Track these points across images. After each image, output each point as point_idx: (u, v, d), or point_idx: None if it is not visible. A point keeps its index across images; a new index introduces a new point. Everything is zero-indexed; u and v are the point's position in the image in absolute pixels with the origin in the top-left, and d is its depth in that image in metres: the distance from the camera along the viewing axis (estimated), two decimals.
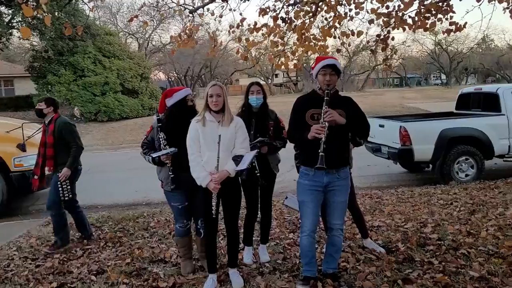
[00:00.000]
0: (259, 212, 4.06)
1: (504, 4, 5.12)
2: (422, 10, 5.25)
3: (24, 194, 7.21)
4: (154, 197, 7.30)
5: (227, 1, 5.65)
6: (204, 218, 3.51)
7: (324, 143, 3.03)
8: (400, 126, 7.29)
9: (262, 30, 5.92)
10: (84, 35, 20.99)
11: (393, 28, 5.68)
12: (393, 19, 5.52)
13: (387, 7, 5.52)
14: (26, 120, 5.06)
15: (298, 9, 5.76)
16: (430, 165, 7.71)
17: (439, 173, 7.47)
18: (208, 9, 5.76)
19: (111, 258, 4.32)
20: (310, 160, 3.14)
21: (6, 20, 19.77)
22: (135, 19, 6.01)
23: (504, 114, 7.55)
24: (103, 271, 3.97)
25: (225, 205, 3.47)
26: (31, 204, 7.49)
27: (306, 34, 5.81)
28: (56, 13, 17.81)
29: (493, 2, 4.98)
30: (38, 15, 4.41)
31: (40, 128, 5.59)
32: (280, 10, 5.84)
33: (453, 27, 5.46)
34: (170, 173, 3.63)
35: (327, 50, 6.00)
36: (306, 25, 5.74)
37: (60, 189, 4.57)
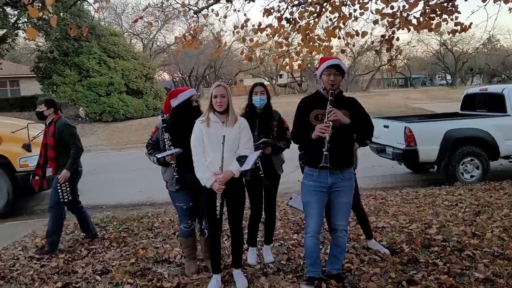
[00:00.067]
0: (263, 213, 4.06)
1: (510, 5, 5.10)
2: (427, 10, 5.24)
3: (29, 194, 7.25)
4: (158, 198, 7.31)
5: (231, 2, 5.65)
6: (208, 219, 3.51)
7: (328, 142, 3.02)
8: (405, 127, 7.27)
9: (267, 31, 5.92)
10: (89, 36, 21.06)
11: (398, 29, 5.66)
12: (397, 20, 5.50)
13: (392, 8, 5.51)
14: (32, 120, 5.09)
15: (303, 9, 5.75)
16: (435, 166, 7.68)
17: (444, 174, 7.44)
18: (212, 10, 5.77)
19: (115, 258, 4.34)
20: (314, 160, 3.14)
21: (12, 20, 19.88)
22: (140, 20, 6.02)
23: (509, 115, 7.50)
24: (107, 271, 3.99)
25: (229, 206, 3.47)
26: (36, 204, 7.52)
27: (311, 35, 5.81)
28: (61, 14, 17.90)
29: (498, 2, 4.96)
30: (43, 16, 4.43)
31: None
32: (285, 11, 5.84)
33: (458, 28, 5.44)
34: (174, 174, 3.63)
35: (332, 50, 5.99)
36: (311, 25, 5.73)
37: (59, 191, 4.56)
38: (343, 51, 7.74)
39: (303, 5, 5.75)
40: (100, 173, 10.29)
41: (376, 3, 5.47)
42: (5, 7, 19.34)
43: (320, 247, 3.64)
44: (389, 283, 3.39)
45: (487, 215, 5.12)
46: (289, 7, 5.83)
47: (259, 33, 6.09)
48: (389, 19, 5.57)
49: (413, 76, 60.02)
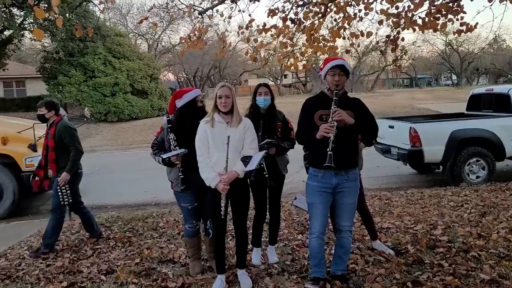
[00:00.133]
0: (267, 213, 4.06)
1: None
2: (432, 10, 5.21)
3: (34, 194, 7.29)
4: (163, 198, 7.33)
5: (236, 2, 5.66)
6: (212, 219, 3.51)
7: (332, 142, 3.02)
8: (410, 127, 7.25)
9: (271, 31, 5.92)
10: (95, 36, 21.18)
11: (403, 29, 5.64)
12: (403, 20, 5.48)
13: (397, 8, 5.49)
14: (38, 120, 5.11)
15: (307, 10, 5.74)
16: (441, 167, 7.64)
17: (449, 175, 7.40)
18: (217, 11, 5.78)
19: (120, 258, 4.35)
20: (319, 161, 3.14)
21: (18, 21, 20.00)
22: (145, 20, 6.04)
23: None
24: (112, 271, 4.00)
25: (233, 206, 3.48)
26: (41, 204, 7.56)
27: (315, 35, 5.80)
28: (67, 15, 18.02)
29: (504, 2, 4.93)
30: (49, 17, 4.46)
31: None
32: (289, 11, 5.83)
33: (464, 28, 5.41)
34: (180, 174, 3.64)
35: (337, 51, 5.98)
36: (315, 26, 5.73)
37: (59, 193, 4.56)
38: (347, 52, 7.70)
39: (308, 6, 5.75)
40: (105, 173, 10.33)
41: (381, 3, 5.46)
42: (11, 8, 19.48)
43: (325, 247, 3.63)
44: (394, 284, 3.38)
45: (493, 216, 5.09)
46: (294, 7, 5.83)
47: (263, 34, 6.09)
48: (394, 19, 5.55)
49: (418, 76, 59.82)
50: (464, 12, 5.25)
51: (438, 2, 5.22)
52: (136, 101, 23.31)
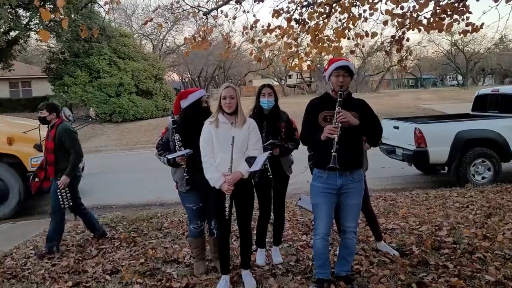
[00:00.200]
0: (272, 214, 4.06)
1: None
2: (438, 11, 5.20)
3: (40, 194, 7.32)
4: (167, 198, 7.34)
5: (240, 3, 5.66)
6: (217, 219, 3.52)
7: (336, 143, 3.02)
8: (415, 128, 7.22)
9: (276, 32, 5.93)
10: (100, 37, 21.27)
11: (408, 29, 5.63)
12: (408, 20, 5.47)
13: (402, 8, 5.48)
14: (39, 122, 5.17)
15: (312, 10, 5.75)
16: (446, 168, 7.61)
17: (454, 176, 7.37)
18: (222, 11, 5.80)
19: (125, 258, 4.37)
20: (323, 161, 3.13)
21: (24, 22, 20.12)
22: (149, 21, 6.06)
23: None
24: (117, 271, 4.02)
25: (238, 207, 3.48)
26: (47, 204, 7.57)
27: (320, 36, 5.80)
28: (72, 16, 18.10)
29: (510, 2, 4.90)
30: (55, 18, 4.48)
31: None
32: (294, 12, 5.84)
33: (469, 28, 5.39)
34: (185, 175, 3.64)
35: (341, 51, 5.98)
36: (320, 26, 5.73)
37: (59, 196, 4.57)
38: (352, 52, 7.71)
39: (313, 6, 5.75)
40: (109, 173, 10.37)
41: (386, 3, 5.46)
42: (17, 9, 19.60)
43: (329, 248, 3.63)
44: (398, 285, 3.37)
45: (499, 217, 5.07)
46: (299, 8, 5.83)
47: (268, 34, 6.10)
48: (399, 20, 5.54)
49: (423, 77, 59.62)
50: (470, 12, 5.23)
51: (444, 2, 5.20)
52: (141, 102, 23.38)
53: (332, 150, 3.02)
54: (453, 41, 45.19)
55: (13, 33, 20.70)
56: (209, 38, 5.94)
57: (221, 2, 5.66)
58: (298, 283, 3.51)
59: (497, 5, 5.06)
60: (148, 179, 9.02)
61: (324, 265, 3.35)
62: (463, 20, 5.32)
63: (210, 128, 3.35)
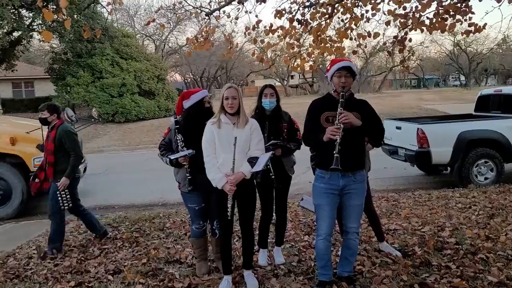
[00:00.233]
0: (274, 214, 4.06)
1: None
2: (440, 11, 5.19)
3: (40, 195, 7.34)
4: (170, 198, 7.35)
5: (243, 3, 5.67)
6: (219, 220, 3.52)
7: (339, 145, 3.01)
8: (418, 128, 7.21)
9: (278, 32, 5.93)
10: (102, 38, 21.27)
11: (411, 30, 5.62)
12: (410, 21, 5.46)
13: (404, 8, 5.47)
14: (39, 123, 5.18)
15: (314, 11, 5.74)
16: (448, 168, 7.60)
17: (457, 176, 7.35)
18: (224, 12, 5.79)
19: (127, 258, 4.38)
20: (326, 162, 3.13)
21: (27, 23, 20.17)
22: (152, 22, 6.07)
23: None
24: (119, 271, 4.02)
25: (240, 207, 3.48)
26: None
27: (322, 36, 5.80)
28: (75, 16, 18.15)
29: None
30: (58, 19, 4.50)
31: None
32: (296, 12, 5.84)
33: (472, 28, 5.37)
34: (187, 175, 3.65)
35: (344, 51, 5.97)
36: (322, 26, 5.72)
37: (59, 198, 4.57)
38: (355, 52, 7.71)
39: (315, 6, 5.75)
40: (112, 173, 10.39)
41: (388, 4, 5.45)
42: (20, 10, 19.65)
43: (331, 249, 3.62)
44: (401, 286, 3.37)
45: (501, 218, 5.05)
46: (301, 8, 5.83)
47: (270, 35, 6.10)
48: (402, 20, 5.54)
49: (426, 77, 59.48)
50: (473, 13, 5.22)
51: (446, 3, 5.19)
52: (143, 102, 23.41)
53: (334, 152, 3.01)
54: (455, 42, 45.06)
55: (16, 34, 20.76)
56: (211, 39, 5.94)
57: (223, 3, 5.66)
58: (300, 284, 3.51)
59: (500, 5, 5.06)
60: (150, 179, 9.03)
61: (326, 266, 3.35)
62: (465, 20, 5.31)
63: (212, 128, 3.36)
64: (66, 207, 4.62)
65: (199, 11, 5.74)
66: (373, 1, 5.41)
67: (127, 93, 22.74)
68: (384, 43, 7.30)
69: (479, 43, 45.65)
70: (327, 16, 5.68)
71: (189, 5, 5.78)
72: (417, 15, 5.34)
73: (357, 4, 5.54)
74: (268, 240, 4.15)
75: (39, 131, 6.76)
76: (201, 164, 3.42)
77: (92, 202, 7.48)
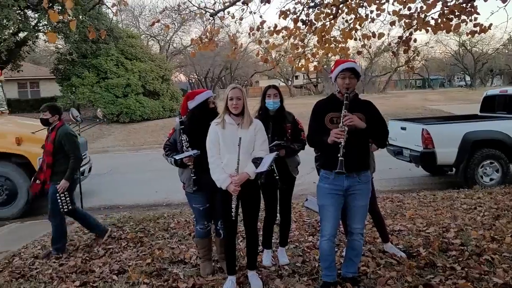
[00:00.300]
0: (278, 215, 4.05)
1: None
2: (445, 11, 5.17)
3: (41, 196, 7.36)
4: (174, 198, 7.37)
5: (247, 4, 5.67)
6: (223, 220, 3.53)
7: (343, 148, 3.01)
8: (423, 129, 7.18)
9: (282, 33, 5.93)
10: (107, 38, 21.37)
11: (415, 30, 5.61)
12: (415, 21, 5.45)
13: (409, 9, 5.46)
14: (41, 123, 5.20)
15: (319, 11, 5.74)
16: (453, 169, 7.56)
17: (462, 177, 7.32)
18: (228, 12, 5.81)
19: (132, 258, 4.39)
20: (330, 164, 3.13)
21: (33, 23, 20.28)
22: (156, 23, 6.09)
23: None
24: (124, 271, 4.04)
25: (244, 208, 3.48)
26: None
27: (327, 36, 5.79)
28: (80, 17, 18.22)
29: None
30: (63, 19, 4.52)
31: None
32: (301, 13, 5.83)
33: (477, 29, 5.35)
34: (192, 175, 3.65)
35: (348, 52, 5.97)
36: (327, 27, 5.72)
37: (59, 201, 4.57)
38: (359, 53, 7.69)
39: (319, 7, 5.74)
40: (117, 173, 10.42)
41: (393, 4, 5.44)
42: (25, 10, 19.76)
43: (336, 250, 3.62)
44: (405, 287, 3.36)
45: (507, 219, 5.02)
46: (305, 9, 5.83)
47: (275, 35, 6.10)
48: (407, 21, 5.52)
49: (431, 77, 59.28)
50: (478, 13, 5.20)
51: (451, 3, 5.17)
52: (148, 102, 23.47)
53: (339, 155, 3.00)
54: (461, 42, 44.87)
55: (21, 34, 20.86)
56: (215, 39, 5.96)
57: (228, 3, 5.67)
58: (304, 284, 3.51)
59: (505, 6, 5.02)
60: (155, 180, 9.06)
61: (330, 267, 3.34)
62: (471, 20, 5.29)
63: (216, 129, 3.36)
64: (65, 210, 4.63)
65: (203, 12, 5.75)
66: (377, 2, 5.40)
67: (131, 93, 22.81)
68: (389, 44, 7.28)
69: (484, 43, 45.47)
70: (331, 16, 5.67)
71: (194, 5, 5.79)
72: (422, 16, 5.33)
73: (361, 4, 5.53)
74: (272, 241, 4.15)
75: (45, 131, 6.80)
76: (205, 164, 3.42)
77: (96, 202, 7.51)
